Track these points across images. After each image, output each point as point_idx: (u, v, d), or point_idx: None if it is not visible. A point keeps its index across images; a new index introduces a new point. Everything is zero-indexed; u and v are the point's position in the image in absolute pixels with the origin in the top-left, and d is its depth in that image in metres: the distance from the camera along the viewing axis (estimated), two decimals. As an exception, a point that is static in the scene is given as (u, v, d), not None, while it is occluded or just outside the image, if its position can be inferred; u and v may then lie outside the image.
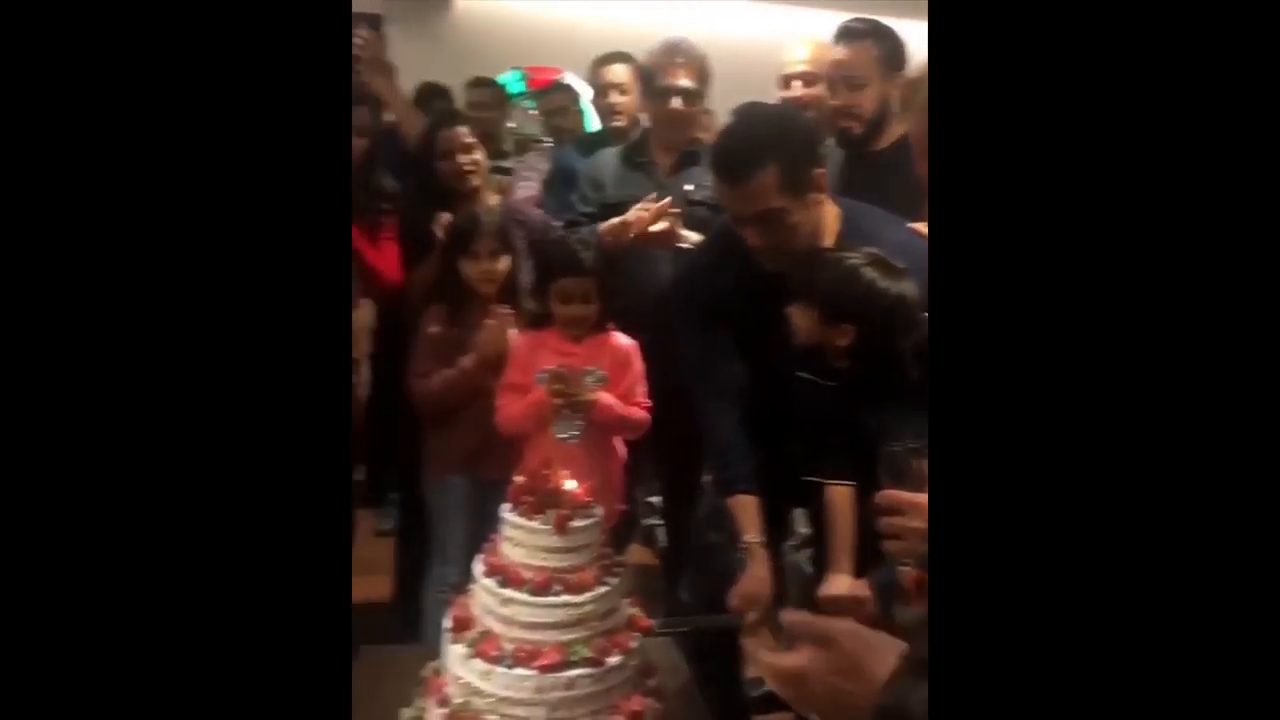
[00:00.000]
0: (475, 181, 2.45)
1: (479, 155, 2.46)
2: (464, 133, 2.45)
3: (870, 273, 1.55)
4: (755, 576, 1.66)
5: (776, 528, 1.77)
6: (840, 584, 1.53)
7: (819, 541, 1.69)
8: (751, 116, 1.75)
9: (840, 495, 1.59)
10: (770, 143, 1.58)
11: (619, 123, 2.89)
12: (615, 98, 2.88)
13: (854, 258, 1.58)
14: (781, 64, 2.63)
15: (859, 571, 1.54)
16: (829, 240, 1.69)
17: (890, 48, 2.26)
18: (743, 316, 1.72)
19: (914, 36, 1.97)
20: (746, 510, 1.72)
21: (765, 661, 0.95)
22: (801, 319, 1.63)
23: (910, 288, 1.54)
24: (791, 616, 1.18)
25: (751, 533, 1.69)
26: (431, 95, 3.71)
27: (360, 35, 2.66)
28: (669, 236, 2.29)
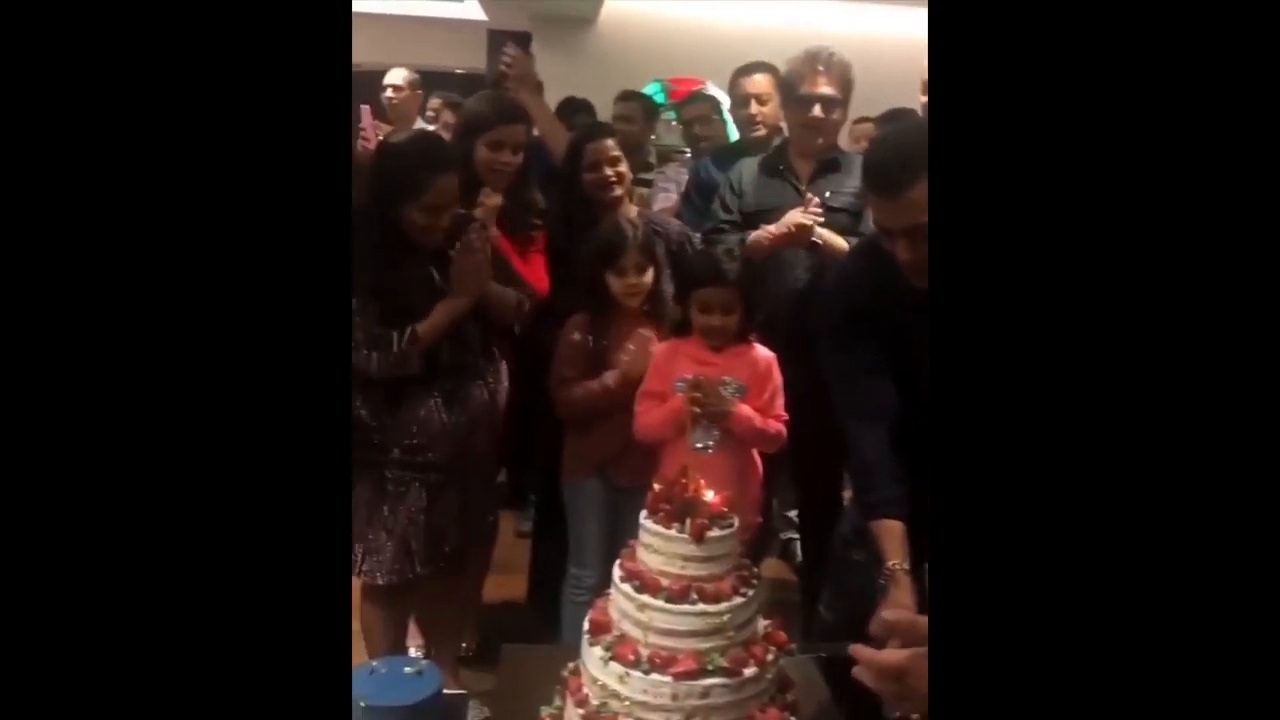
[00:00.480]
0: (618, 192, 2.49)
1: (623, 168, 2.51)
2: (610, 145, 2.50)
3: None
4: (898, 604, 1.59)
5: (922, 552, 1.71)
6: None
7: None
8: (907, 128, 1.69)
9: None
10: (926, 154, 1.53)
11: (758, 132, 2.89)
12: (755, 108, 2.87)
13: None
14: (924, 68, 2.55)
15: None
16: None
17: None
18: (891, 333, 1.65)
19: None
20: (891, 535, 1.66)
21: (865, 657, 0.92)
22: None
23: None
24: (891, 614, 1.14)
25: (896, 558, 1.63)
26: (574, 109, 3.81)
27: (509, 53, 2.76)
28: (806, 232, 2.30)
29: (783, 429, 2.14)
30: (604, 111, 3.76)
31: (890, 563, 1.63)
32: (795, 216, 2.32)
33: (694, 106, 3.59)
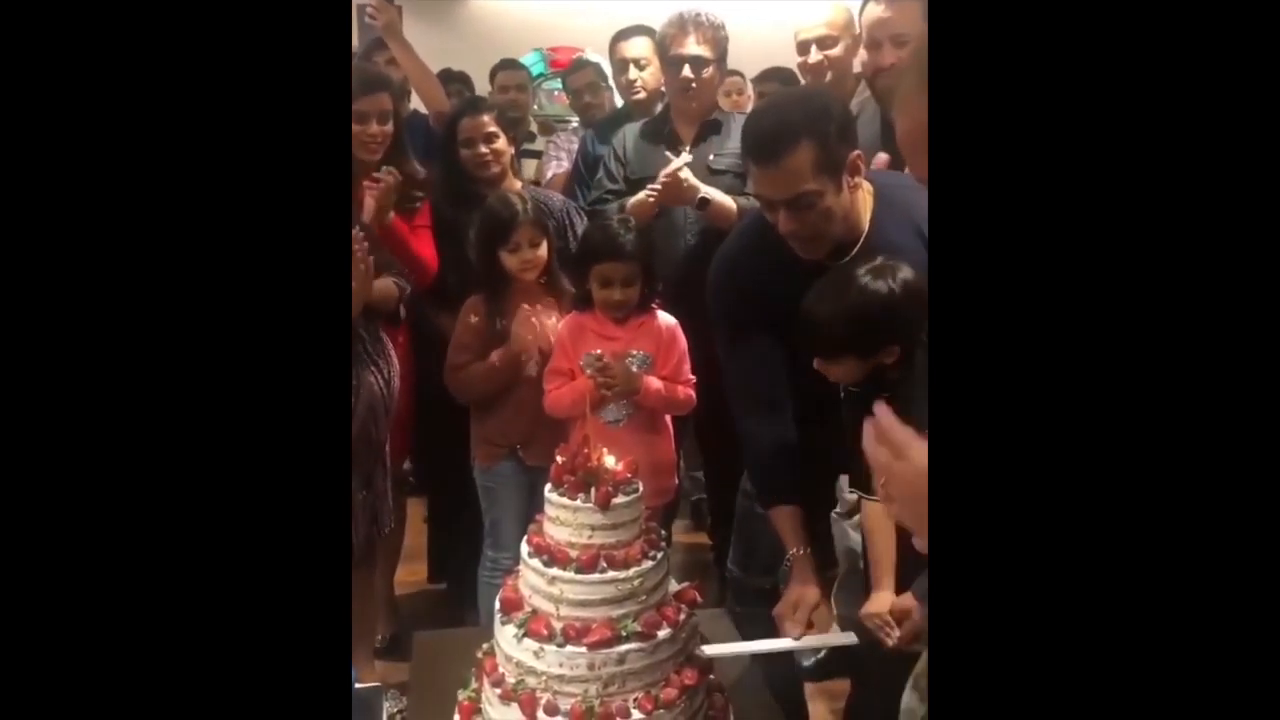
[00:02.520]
0: (495, 170, 2.45)
1: (500, 144, 2.46)
2: (485, 122, 2.44)
3: (883, 287, 1.45)
4: (801, 588, 1.61)
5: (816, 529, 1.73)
6: (882, 601, 1.49)
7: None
8: (783, 96, 1.70)
9: (879, 510, 1.52)
10: (803, 120, 1.51)
11: (639, 96, 2.87)
12: (634, 73, 2.85)
13: (863, 277, 1.48)
14: (798, 29, 2.58)
15: (903, 585, 1.49)
16: (865, 222, 1.61)
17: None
18: (783, 313, 1.60)
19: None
20: (789, 521, 1.67)
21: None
22: (837, 370, 1.53)
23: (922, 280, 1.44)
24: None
25: (795, 545, 1.65)
26: (449, 81, 3.71)
27: (372, 4, 2.66)
28: (687, 188, 2.29)
29: (691, 393, 2.16)
30: (481, 83, 3.68)
31: (790, 551, 1.65)
32: (669, 169, 2.30)
33: (580, 74, 3.54)
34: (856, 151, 1.56)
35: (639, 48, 2.86)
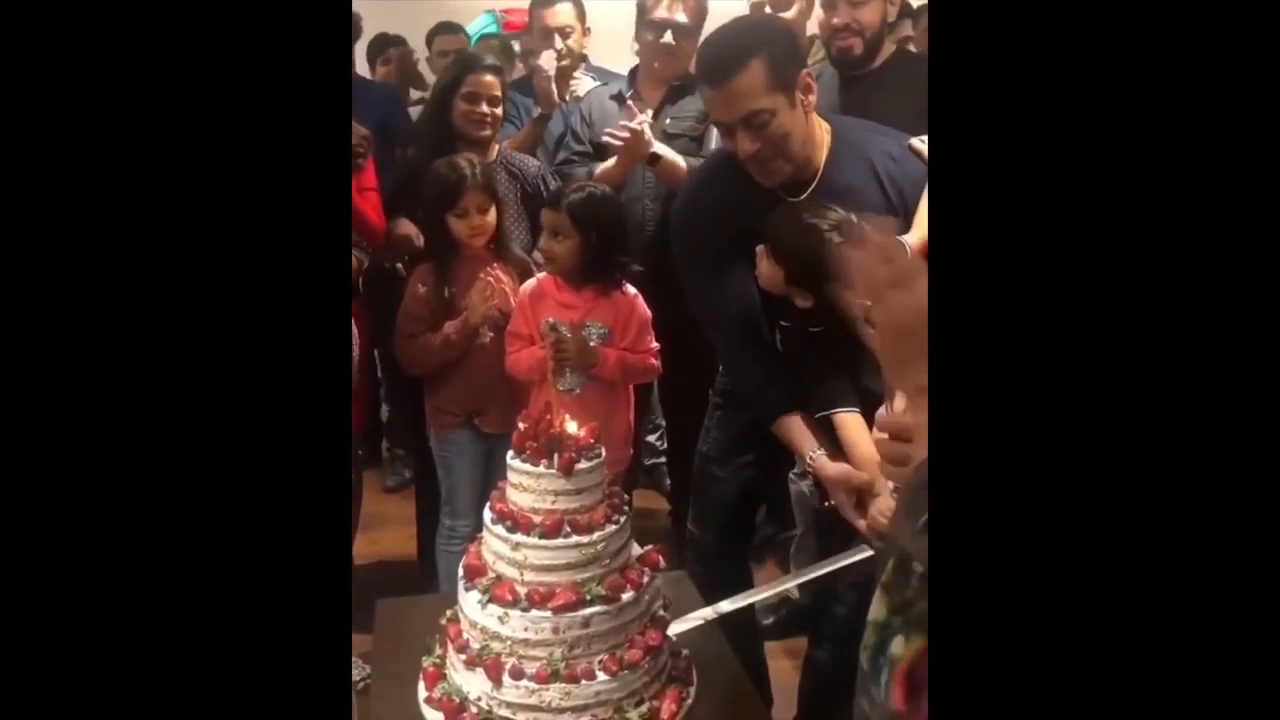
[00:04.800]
0: (488, 132, 2.39)
1: (499, 110, 2.40)
2: (493, 83, 2.37)
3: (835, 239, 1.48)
4: (839, 477, 1.58)
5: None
6: (883, 504, 1.49)
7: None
8: (732, 21, 1.72)
9: (851, 420, 1.58)
10: (752, 40, 1.56)
11: (564, 63, 2.80)
12: (559, 42, 2.77)
13: (823, 223, 1.53)
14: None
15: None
16: (821, 155, 1.66)
17: None
18: (749, 238, 1.65)
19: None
20: (797, 428, 1.66)
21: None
22: (767, 267, 1.61)
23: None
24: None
25: (809, 449, 1.64)
26: (385, 45, 3.61)
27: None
28: (642, 143, 2.28)
29: (654, 361, 2.16)
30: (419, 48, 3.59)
31: (809, 455, 1.64)
32: (633, 122, 2.28)
33: (530, 38, 3.47)
34: (805, 69, 1.61)
35: (563, 15, 2.79)
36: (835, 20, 2.19)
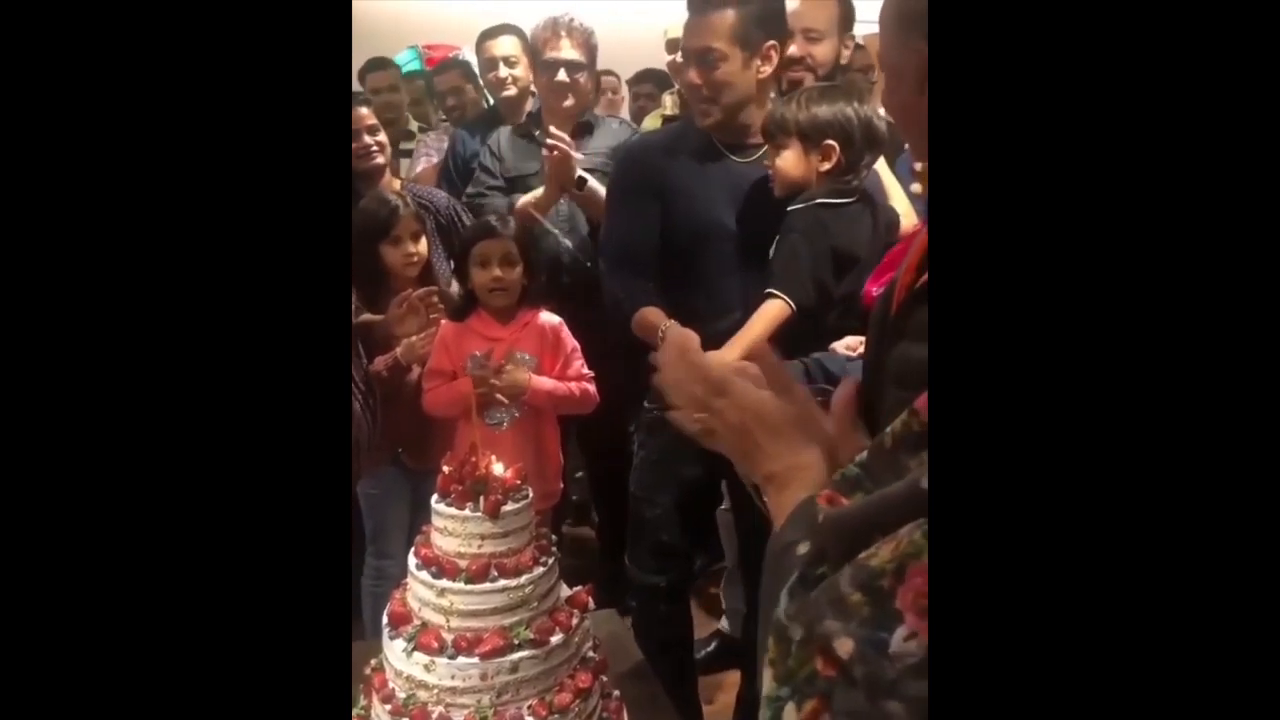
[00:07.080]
0: (380, 160, 2.41)
1: (382, 136, 2.43)
2: (366, 114, 2.41)
3: (839, 97, 1.77)
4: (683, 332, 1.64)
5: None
6: (729, 353, 1.56)
7: None
8: None
9: (772, 306, 1.69)
10: None
11: (509, 93, 2.83)
12: (504, 70, 2.82)
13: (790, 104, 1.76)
14: (667, 29, 2.64)
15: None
16: (758, 121, 1.83)
17: (845, 4, 2.23)
18: (664, 183, 1.87)
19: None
20: (651, 314, 1.82)
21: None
22: (787, 163, 1.76)
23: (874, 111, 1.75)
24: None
25: (661, 323, 1.77)
26: None
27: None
28: (572, 170, 2.36)
29: (591, 389, 2.15)
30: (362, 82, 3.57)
31: (660, 328, 1.75)
32: (562, 138, 2.33)
33: (446, 76, 3.50)
34: (772, 43, 1.80)
35: (507, 46, 2.84)
36: (791, 51, 2.24)
